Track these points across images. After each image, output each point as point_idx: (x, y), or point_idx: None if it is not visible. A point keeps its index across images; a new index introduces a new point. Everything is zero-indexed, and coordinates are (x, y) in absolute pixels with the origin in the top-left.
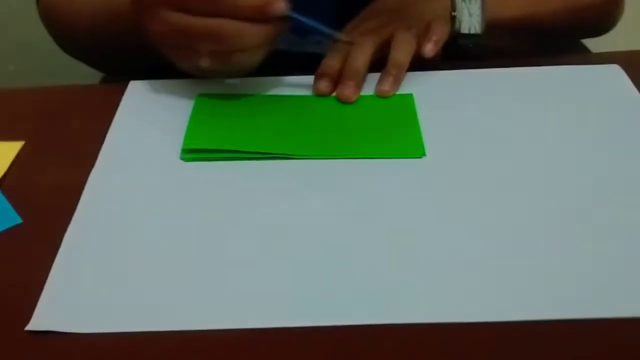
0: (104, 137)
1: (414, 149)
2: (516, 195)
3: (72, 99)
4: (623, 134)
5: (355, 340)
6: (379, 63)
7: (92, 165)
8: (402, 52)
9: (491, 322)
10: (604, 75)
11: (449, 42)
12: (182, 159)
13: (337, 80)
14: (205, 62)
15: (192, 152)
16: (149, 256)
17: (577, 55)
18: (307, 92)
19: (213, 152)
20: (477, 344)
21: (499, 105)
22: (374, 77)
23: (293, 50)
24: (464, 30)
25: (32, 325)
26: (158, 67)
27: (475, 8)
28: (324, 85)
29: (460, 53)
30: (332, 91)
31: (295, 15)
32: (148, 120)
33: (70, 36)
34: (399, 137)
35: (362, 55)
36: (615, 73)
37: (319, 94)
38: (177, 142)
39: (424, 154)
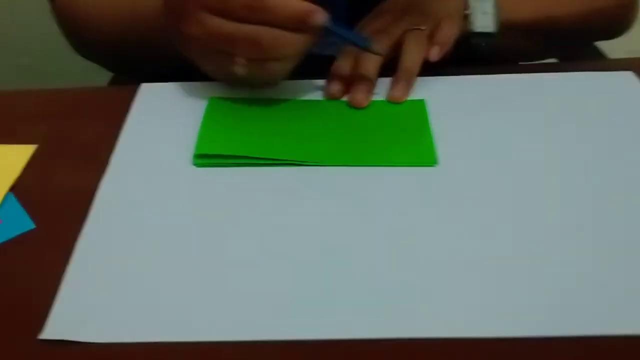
0: (116, 140)
1: (426, 157)
2: (531, 206)
3: (84, 101)
4: (636, 143)
5: (361, 354)
6: (390, 64)
7: (104, 170)
8: (413, 55)
9: (500, 338)
10: (619, 82)
11: (462, 42)
12: (194, 164)
13: (348, 83)
14: (239, 69)
15: (204, 158)
16: (163, 264)
17: (592, 61)
18: (319, 96)
19: (225, 157)
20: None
21: (511, 112)
22: (386, 81)
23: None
24: (477, 29)
25: (45, 334)
26: (169, 70)
27: (489, 7)
28: (336, 89)
29: (473, 53)
30: (344, 94)
31: (334, 27)
32: (160, 123)
33: (91, 38)
34: (411, 144)
35: (373, 59)
36: (629, 80)
37: (330, 98)
38: (189, 147)
39: (436, 163)
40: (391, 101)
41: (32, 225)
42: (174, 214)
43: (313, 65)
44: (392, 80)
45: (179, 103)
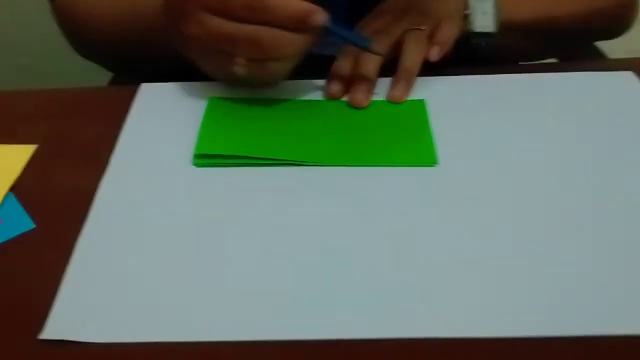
0: (116, 140)
1: (426, 157)
2: (531, 207)
3: (84, 101)
4: (636, 143)
5: (361, 354)
6: (390, 64)
7: (104, 169)
8: (413, 55)
9: (500, 338)
10: (619, 82)
11: (462, 42)
12: (194, 164)
13: (348, 83)
14: (239, 69)
15: (204, 158)
16: (163, 264)
17: (592, 61)
18: (319, 96)
19: (225, 157)
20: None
21: (511, 112)
22: (386, 81)
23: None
24: (477, 28)
25: (45, 334)
26: (169, 70)
27: (489, 7)
28: (336, 89)
29: (473, 53)
30: (344, 94)
31: (334, 27)
32: (160, 123)
33: (91, 38)
34: (411, 144)
35: (373, 59)
36: (629, 80)
37: (330, 98)
38: (189, 147)
39: (436, 163)
40: (391, 101)
41: (32, 225)
42: (174, 214)
43: (313, 65)
44: (392, 80)
45: (179, 103)
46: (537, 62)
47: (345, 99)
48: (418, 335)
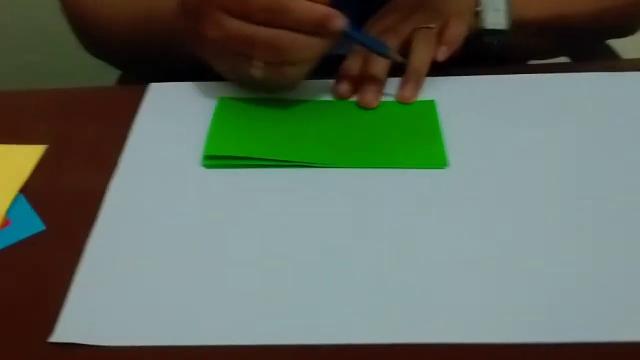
0: (125, 140)
1: (437, 159)
2: (546, 210)
3: (94, 101)
4: None
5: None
6: (399, 64)
7: (114, 170)
8: (422, 55)
9: (505, 344)
10: (632, 83)
11: (473, 39)
12: (203, 165)
13: (357, 83)
14: (256, 72)
15: (213, 159)
16: (173, 266)
17: (604, 60)
18: (328, 96)
19: (234, 158)
20: None
21: (523, 113)
22: (395, 82)
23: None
24: (489, 26)
25: (55, 337)
26: (179, 69)
27: (501, 4)
28: (344, 89)
29: (484, 51)
30: (353, 94)
31: (353, 32)
32: (169, 124)
33: (100, 37)
34: (421, 146)
35: (382, 59)
36: None
37: (339, 98)
38: (198, 147)
39: (446, 165)
40: (400, 102)
41: (42, 227)
42: (183, 215)
43: (322, 64)
44: (401, 81)
45: (188, 103)
46: (548, 61)
47: (354, 99)
48: (423, 341)
